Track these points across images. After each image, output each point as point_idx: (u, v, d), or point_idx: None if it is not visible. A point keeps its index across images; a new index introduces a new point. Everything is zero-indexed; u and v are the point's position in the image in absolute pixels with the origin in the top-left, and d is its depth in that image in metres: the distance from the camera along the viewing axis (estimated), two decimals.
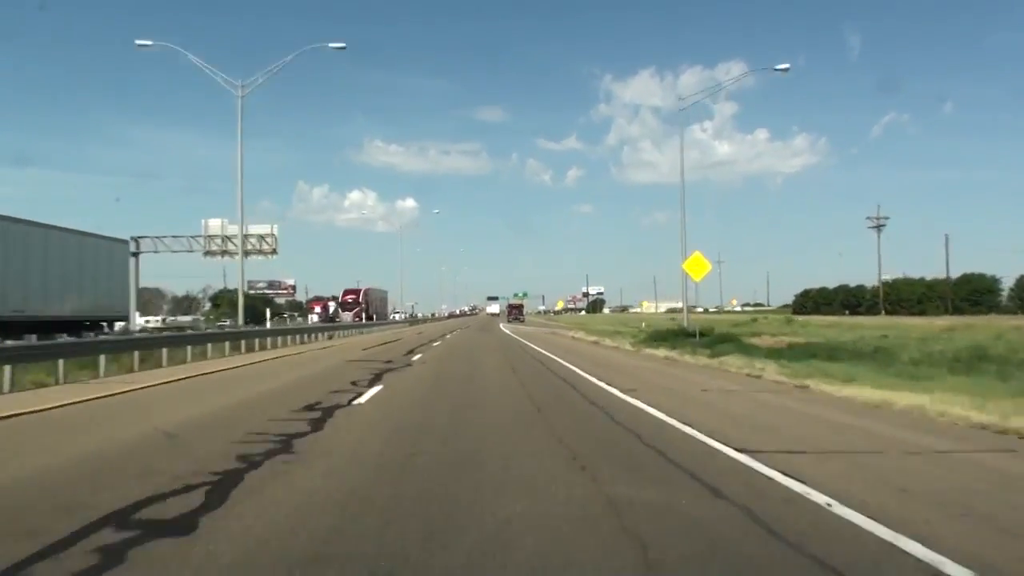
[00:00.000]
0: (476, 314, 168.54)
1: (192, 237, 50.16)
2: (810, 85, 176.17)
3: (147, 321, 65.12)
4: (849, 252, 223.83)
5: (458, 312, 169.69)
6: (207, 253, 50.34)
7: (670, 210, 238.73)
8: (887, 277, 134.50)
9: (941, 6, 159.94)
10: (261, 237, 49.91)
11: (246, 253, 50.02)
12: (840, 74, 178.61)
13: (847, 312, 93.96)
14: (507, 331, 51.40)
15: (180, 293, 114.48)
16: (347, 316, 70.00)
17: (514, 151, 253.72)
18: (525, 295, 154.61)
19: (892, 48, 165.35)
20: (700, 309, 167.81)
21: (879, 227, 72.80)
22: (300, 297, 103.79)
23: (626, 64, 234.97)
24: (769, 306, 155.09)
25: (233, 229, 49.59)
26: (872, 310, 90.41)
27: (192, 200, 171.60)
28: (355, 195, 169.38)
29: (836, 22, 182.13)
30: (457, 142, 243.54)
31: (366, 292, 76.94)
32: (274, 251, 50.19)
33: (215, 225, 49.87)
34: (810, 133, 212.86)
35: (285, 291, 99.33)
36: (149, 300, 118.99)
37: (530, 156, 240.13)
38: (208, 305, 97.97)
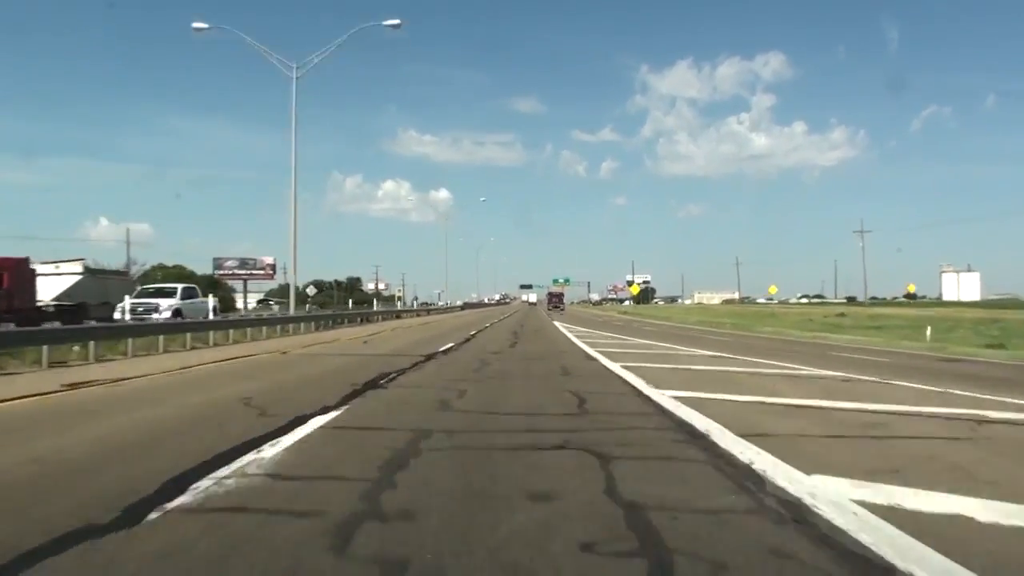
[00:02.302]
0: (507, 303, 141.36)
1: None
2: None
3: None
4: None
5: (487, 300, 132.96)
6: None
7: (705, 203, 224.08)
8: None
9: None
10: None
11: None
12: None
13: None
14: None
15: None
16: None
17: (548, 142, 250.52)
18: (567, 281, 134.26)
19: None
20: (761, 300, 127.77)
21: None
22: (279, 280, 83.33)
23: (663, 55, 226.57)
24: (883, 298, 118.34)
25: None
26: None
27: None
28: (389, 185, 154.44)
29: (874, 13, 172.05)
30: (491, 132, 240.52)
31: None
32: None
33: None
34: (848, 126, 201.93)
35: (262, 272, 76.83)
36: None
37: (564, 147, 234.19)
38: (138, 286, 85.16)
